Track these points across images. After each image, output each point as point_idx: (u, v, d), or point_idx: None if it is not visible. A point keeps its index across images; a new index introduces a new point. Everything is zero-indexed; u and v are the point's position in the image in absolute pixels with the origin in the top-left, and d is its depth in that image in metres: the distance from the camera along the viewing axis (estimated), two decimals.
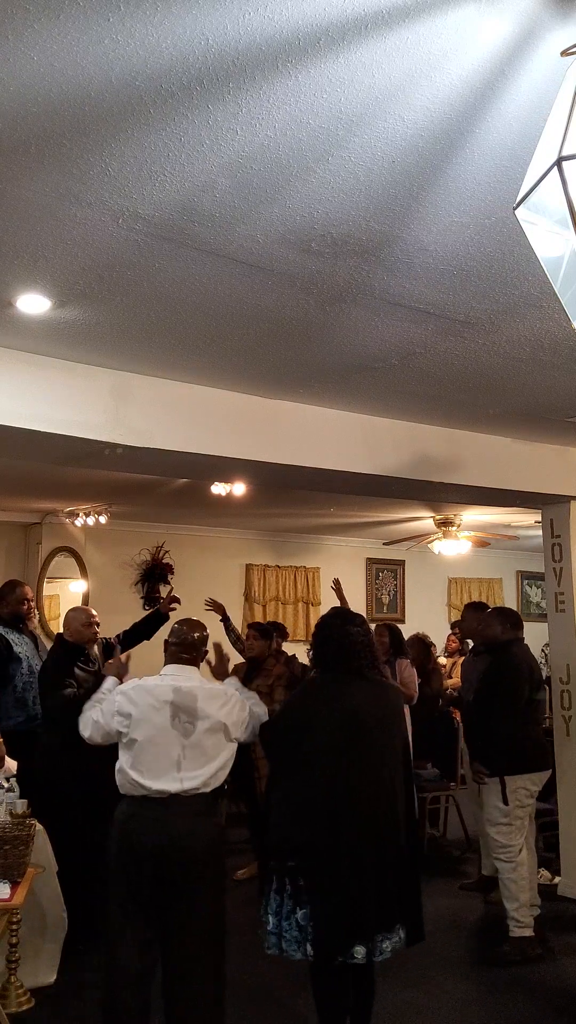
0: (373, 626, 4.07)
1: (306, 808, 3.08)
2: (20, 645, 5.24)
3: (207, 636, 3.50)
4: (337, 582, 5.99)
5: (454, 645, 9.36)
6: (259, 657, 5.70)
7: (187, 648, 3.39)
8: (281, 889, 3.05)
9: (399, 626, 6.56)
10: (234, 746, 3.30)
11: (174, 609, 5.31)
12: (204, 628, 3.50)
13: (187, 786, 3.12)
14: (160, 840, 3.06)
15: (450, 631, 9.74)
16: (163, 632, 4.97)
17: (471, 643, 5.84)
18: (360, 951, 2.98)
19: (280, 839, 3.13)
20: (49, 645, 5.27)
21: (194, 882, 3.08)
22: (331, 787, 3.06)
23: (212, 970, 3.12)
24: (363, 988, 3.18)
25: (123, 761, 3.20)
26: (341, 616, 3.38)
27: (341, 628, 3.29)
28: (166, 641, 3.47)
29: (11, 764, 4.43)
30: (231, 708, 3.29)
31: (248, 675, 5.66)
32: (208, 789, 3.18)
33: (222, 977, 3.16)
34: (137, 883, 3.07)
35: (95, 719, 3.32)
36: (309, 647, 3.43)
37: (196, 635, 3.43)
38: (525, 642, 4.86)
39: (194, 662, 3.40)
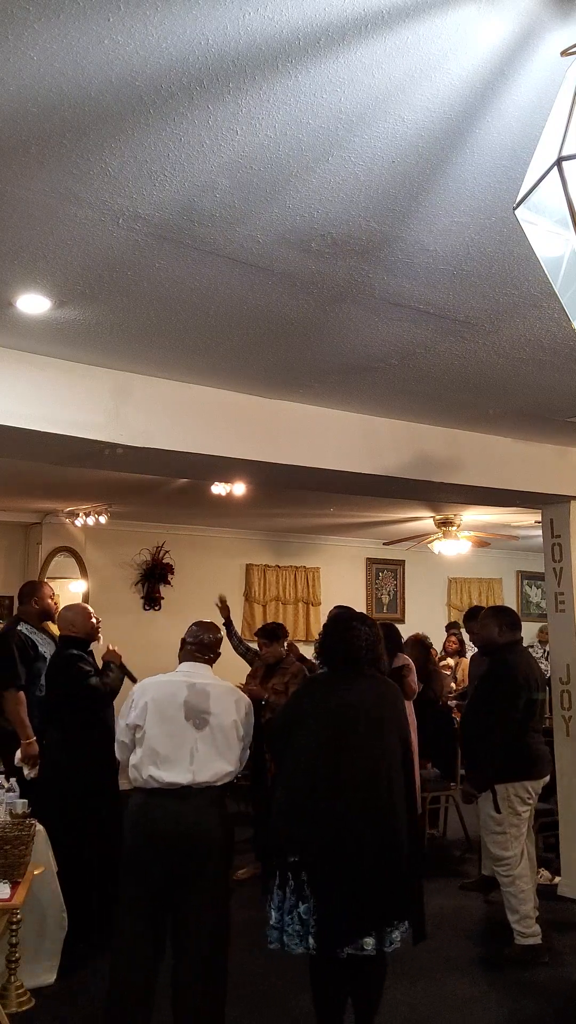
0: None
1: (301, 803, 3.09)
2: (44, 646, 5.25)
3: (221, 639, 3.63)
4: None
5: (453, 646, 9.37)
6: (276, 660, 5.75)
7: (203, 648, 3.50)
8: (283, 884, 3.06)
9: (398, 626, 6.56)
10: (241, 745, 3.34)
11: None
12: (219, 631, 3.64)
13: (199, 779, 3.17)
14: (175, 831, 3.12)
15: (447, 633, 9.74)
16: (162, 633, 4.99)
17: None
18: (370, 942, 3.00)
19: (279, 835, 3.13)
20: None
21: (206, 873, 3.15)
22: (322, 782, 3.07)
23: (219, 964, 3.19)
24: (371, 979, 3.18)
25: (136, 754, 3.24)
26: (351, 615, 3.40)
27: (347, 624, 3.32)
28: (183, 640, 3.56)
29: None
30: (241, 707, 3.36)
31: (265, 676, 5.68)
32: (219, 784, 3.24)
33: (226, 971, 3.23)
34: (151, 873, 3.14)
35: (118, 735, 3.38)
36: (315, 645, 3.47)
37: (212, 636, 3.55)
38: (524, 644, 4.82)
39: (209, 662, 3.49)
